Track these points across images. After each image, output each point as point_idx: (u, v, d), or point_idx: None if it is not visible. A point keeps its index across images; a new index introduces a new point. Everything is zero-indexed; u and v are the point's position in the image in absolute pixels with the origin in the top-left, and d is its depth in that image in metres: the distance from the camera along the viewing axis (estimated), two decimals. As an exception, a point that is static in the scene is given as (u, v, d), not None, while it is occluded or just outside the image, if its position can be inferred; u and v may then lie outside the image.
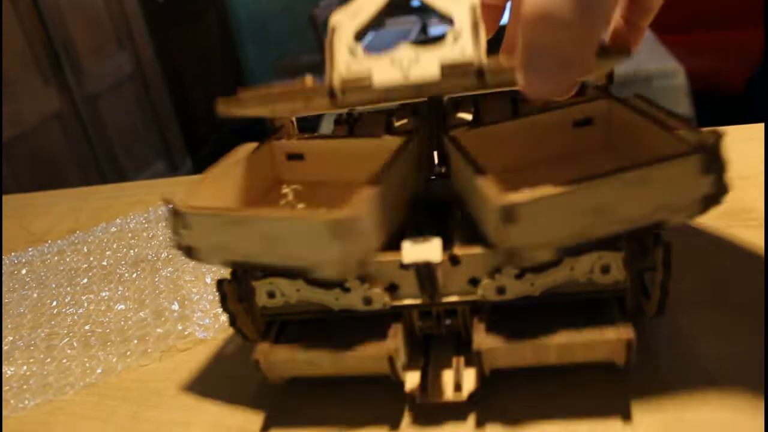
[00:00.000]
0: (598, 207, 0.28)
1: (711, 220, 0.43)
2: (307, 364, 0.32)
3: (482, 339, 0.31)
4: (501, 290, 0.31)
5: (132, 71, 2.38)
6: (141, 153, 2.38)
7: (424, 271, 0.30)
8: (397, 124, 0.40)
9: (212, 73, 2.90)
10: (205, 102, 2.64)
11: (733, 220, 0.43)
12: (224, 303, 0.34)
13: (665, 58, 1.58)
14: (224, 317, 0.42)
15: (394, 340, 0.31)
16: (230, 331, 0.40)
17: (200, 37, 2.86)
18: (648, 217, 0.29)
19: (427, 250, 0.29)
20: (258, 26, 2.93)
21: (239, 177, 0.38)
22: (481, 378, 0.32)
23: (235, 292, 0.34)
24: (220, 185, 0.37)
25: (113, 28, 2.32)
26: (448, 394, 0.32)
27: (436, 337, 0.35)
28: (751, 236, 0.41)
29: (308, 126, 0.44)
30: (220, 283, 0.34)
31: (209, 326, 0.42)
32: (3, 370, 0.43)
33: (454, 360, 0.33)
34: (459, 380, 0.32)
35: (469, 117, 0.40)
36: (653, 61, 1.57)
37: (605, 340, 0.30)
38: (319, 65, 2.29)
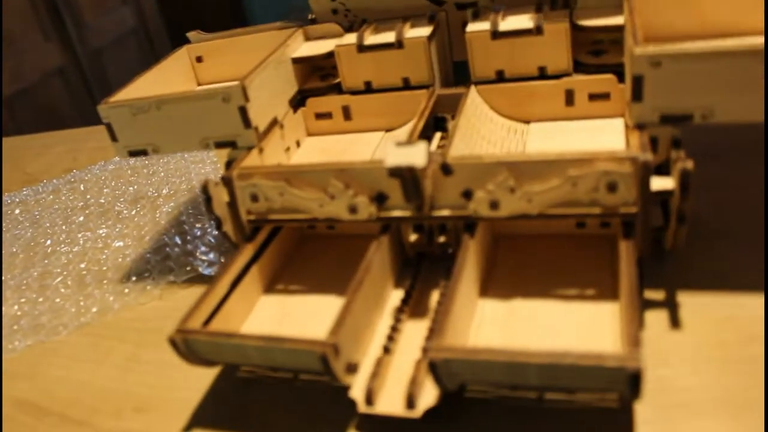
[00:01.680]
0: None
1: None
2: (234, 353, 0.27)
3: (438, 347, 0.23)
4: (495, 205, 0.28)
5: (135, 25, 2.32)
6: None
7: (410, 179, 0.27)
8: (412, 29, 0.36)
9: (217, 27, 2.84)
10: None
11: None
12: (208, 205, 0.31)
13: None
14: (230, 254, 0.39)
15: (334, 336, 0.25)
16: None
17: (205, -9, 2.79)
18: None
19: (412, 154, 0.27)
20: (264, -22, 2.85)
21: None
22: (445, 393, 0.25)
23: (222, 194, 0.32)
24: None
25: (115, -20, 2.25)
26: (398, 408, 0.25)
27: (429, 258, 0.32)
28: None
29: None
30: (205, 186, 0.31)
31: (214, 262, 0.39)
32: (-8, 311, 0.40)
33: (414, 364, 0.27)
34: (414, 391, 0.25)
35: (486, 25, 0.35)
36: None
37: (603, 367, 0.21)
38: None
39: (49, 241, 0.46)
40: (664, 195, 0.27)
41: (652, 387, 0.25)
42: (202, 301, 0.28)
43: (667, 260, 0.31)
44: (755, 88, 0.26)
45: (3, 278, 0.43)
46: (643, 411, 0.25)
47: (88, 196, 0.51)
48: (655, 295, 0.30)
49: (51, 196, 0.53)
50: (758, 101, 0.27)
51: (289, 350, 0.25)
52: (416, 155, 0.27)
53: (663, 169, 0.29)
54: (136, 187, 0.50)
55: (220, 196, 0.32)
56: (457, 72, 0.40)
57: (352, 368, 0.26)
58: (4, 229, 0.49)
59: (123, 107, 0.35)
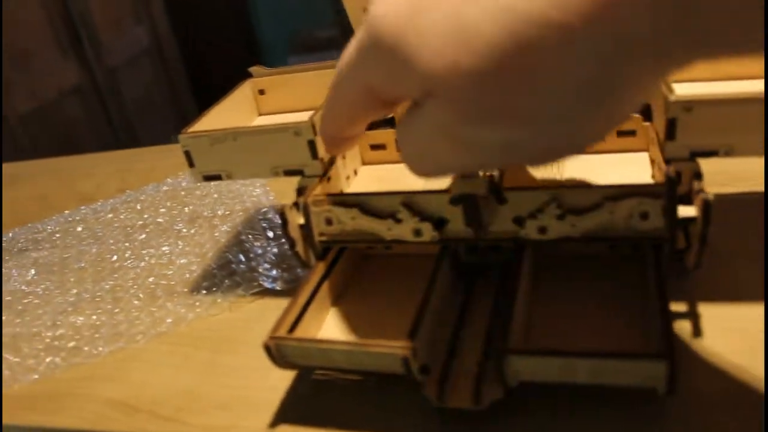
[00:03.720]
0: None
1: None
2: (320, 356, 0.31)
3: (505, 348, 0.28)
4: (542, 230, 0.32)
5: (149, 45, 2.37)
6: (159, 127, 2.38)
7: (470, 206, 0.32)
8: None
9: (228, 47, 2.89)
10: (221, 76, 2.64)
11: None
12: (285, 228, 0.36)
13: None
14: (292, 271, 0.43)
15: (413, 340, 0.29)
16: (298, 282, 0.41)
17: (216, 11, 2.85)
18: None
19: (473, 184, 0.31)
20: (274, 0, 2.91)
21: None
22: (507, 389, 0.29)
23: (296, 218, 0.36)
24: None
25: (130, 2, 2.31)
26: (467, 401, 0.29)
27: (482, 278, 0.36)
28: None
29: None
30: (282, 211, 0.36)
31: (277, 277, 0.43)
32: (73, 320, 0.44)
33: (476, 365, 0.31)
34: (480, 387, 0.30)
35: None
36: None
37: (639, 366, 0.27)
38: (336, 39, 2.28)
39: (115, 257, 0.50)
40: (687, 221, 0.31)
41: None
42: (287, 312, 0.32)
43: (689, 277, 0.36)
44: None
45: (77, 291, 0.47)
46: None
47: (146, 215, 0.55)
48: (677, 307, 0.34)
49: (110, 215, 0.57)
50: None
51: (374, 353, 0.29)
52: (477, 186, 0.31)
53: (686, 199, 0.33)
54: (191, 207, 0.55)
55: (294, 220, 0.36)
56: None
57: (425, 370, 0.30)
58: (69, 245, 0.53)
59: (203, 137, 0.39)
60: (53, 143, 1.93)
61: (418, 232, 0.34)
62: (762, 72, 0.38)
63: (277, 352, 0.31)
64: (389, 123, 0.43)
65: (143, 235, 0.52)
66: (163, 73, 2.44)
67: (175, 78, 2.49)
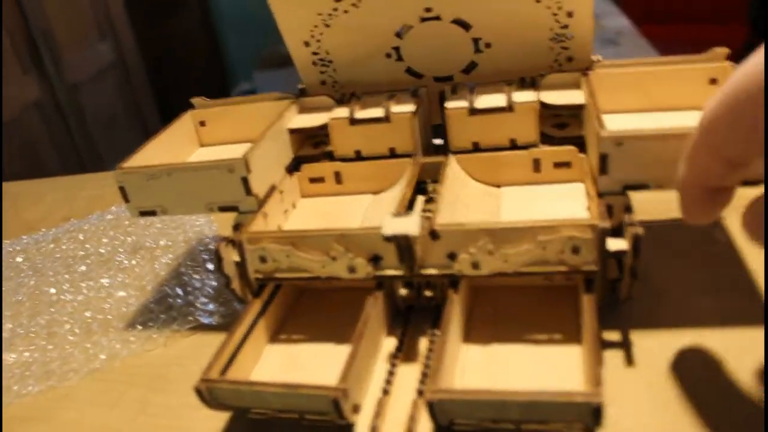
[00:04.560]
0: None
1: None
2: (253, 398, 0.30)
3: (435, 389, 0.27)
4: (476, 265, 0.32)
5: (113, 61, 2.35)
6: (122, 143, 2.35)
7: (404, 244, 0.32)
8: (397, 105, 0.41)
9: (194, 63, 2.87)
10: (187, 92, 2.61)
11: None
12: (219, 265, 0.35)
13: (645, 50, 1.60)
14: (229, 305, 0.43)
15: (344, 382, 0.29)
16: (235, 317, 0.41)
17: (182, 27, 2.83)
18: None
19: (406, 224, 0.31)
20: (241, 15, 2.90)
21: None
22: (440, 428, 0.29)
23: (231, 255, 0.35)
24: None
25: (94, 17, 2.28)
26: None
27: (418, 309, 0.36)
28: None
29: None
30: (218, 249, 0.35)
31: (214, 311, 0.42)
32: (4, 357, 0.42)
33: (411, 403, 0.31)
34: (412, 427, 0.30)
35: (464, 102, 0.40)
36: (633, 53, 1.58)
37: (573, 403, 0.26)
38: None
39: (53, 290, 0.49)
40: (619, 254, 0.32)
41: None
42: (220, 352, 0.32)
43: (621, 307, 0.36)
44: None
45: (12, 326, 0.46)
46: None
47: (88, 246, 0.54)
48: (611, 336, 0.34)
49: (52, 245, 0.55)
50: None
51: (305, 395, 0.29)
52: (410, 225, 0.31)
53: (618, 231, 0.33)
54: (134, 237, 0.54)
55: (230, 257, 0.35)
56: (434, 132, 0.44)
57: (356, 409, 0.30)
58: (8, 277, 0.52)
59: (137, 174, 0.38)
60: (14, 161, 1.89)
61: (352, 269, 0.34)
62: (692, 104, 0.39)
63: (209, 395, 0.31)
64: (328, 156, 0.42)
65: (83, 267, 0.51)
66: (128, 90, 2.41)
67: (139, 94, 2.46)
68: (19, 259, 0.54)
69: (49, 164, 2.05)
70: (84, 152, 2.18)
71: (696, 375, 0.32)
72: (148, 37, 2.55)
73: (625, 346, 0.34)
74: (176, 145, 0.44)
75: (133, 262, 0.50)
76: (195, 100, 0.46)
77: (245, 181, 0.36)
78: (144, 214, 0.40)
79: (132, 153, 0.40)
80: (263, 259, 0.35)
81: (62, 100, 2.11)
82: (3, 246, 0.57)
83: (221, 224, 0.53)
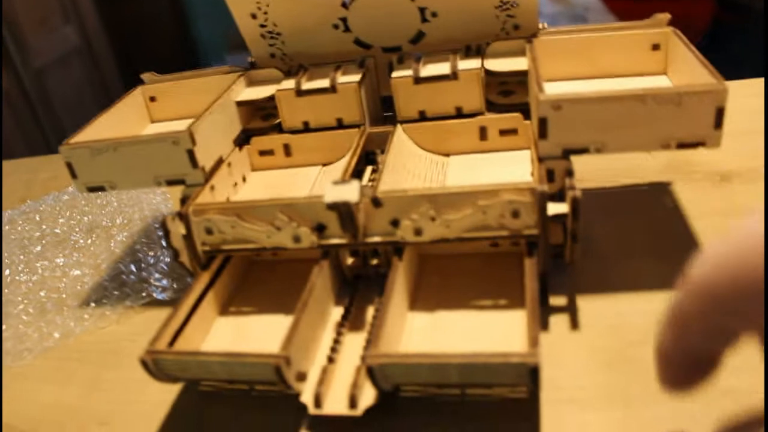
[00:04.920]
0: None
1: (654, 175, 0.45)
2: (198, 369, 0.30)
3: (374, 354, 0.28)
4: (418, 231, 0.32)
5: (78, 45, 2.30)
6: (91, 129, 2.32)
7: (345, 212, 0.32)
8: (344, 75, 0.41)
9: (163, 46, 2.83)
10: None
11: (677, 173, 0.44)
12: (167, 238, 0.35)
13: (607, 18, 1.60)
14: (182, 280, 0.43)
15: (285, 349, 0.29)
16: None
17: (149, 8, 2.79)
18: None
19: (346, 191, 0.32)
20: (209, -3, 2.86)
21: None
22: (382, 393, 0.29)
23: (179, 228, 0.35)
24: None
25: (57, 0, 2.24)
26: (343, 408, 0.29)
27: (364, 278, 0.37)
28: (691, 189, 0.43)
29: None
30: (163, 221, 0.35)
31: (167, 287, 0.42)
32: (-43, 339, 0.42)
33: (355, 370, 0.31)
34: (355, 393, 0.29)
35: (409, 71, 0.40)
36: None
37: (509, 364, 0.26)
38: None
39: (7, 271, 0.48)
40: (562, 218, 0.32)
41: (546, 385, 0.30)
42: (166, 324, 0.32)
43: (568, 272, 0.36)
44: (637, 125, 0.32)
45: (-35, 308, 0.45)
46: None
47: (44, 227, 0.54)
48: (558, 301, 0.35)
49: (7, 227, 0.55)
50: (640, 135, 0.32)
51: (248, 363, 0.29)
52: (350, 192, 0.31)
53: (559, 196, 0.34)
54: (90, 217, 0.53)
55: (177, 230, 0.35)
56: (385, 104, 0.44)
57: (301, 377, 0.30)
58: (-39, 260, 0.52)
59: (83, 149, 0.38)
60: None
61: (297, 239, 0.34)
62: (636, 71, 0.39)
63: (154, 366, 0.31)
64: (277, 128, 0.42)
65: (39, 248, 0.51)
66: (95, 73, 2.37)
67: (107, 78, 2.42)
68: (-27, 242, 0.54)
69: (17, 150, 2.01)
70: (53, 139, 2.15)
71: (638, 337, 0.32)
72: (115, 19, 2.51)
73: (570, 310, 0.35)
74: (126, 120, 0.44)
75: (89, 241, 0.50)
76: (145, 76, 0.46)
77: (191, 154, 0.36)
78: (92, 189, 0.39)
79: (80, 129, 0.40)
80: (209, 231, 0.35)
81: (28, 87, 2.08)
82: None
83: (177, 201, 0.53)
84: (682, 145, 0.32)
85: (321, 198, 0.32)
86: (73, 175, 0.39)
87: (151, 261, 0.45)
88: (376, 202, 0.32)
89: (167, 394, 0.34)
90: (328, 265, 0.34)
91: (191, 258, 0.37)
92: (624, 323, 0.33)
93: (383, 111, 0.44)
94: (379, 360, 0.28)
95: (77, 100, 2.27)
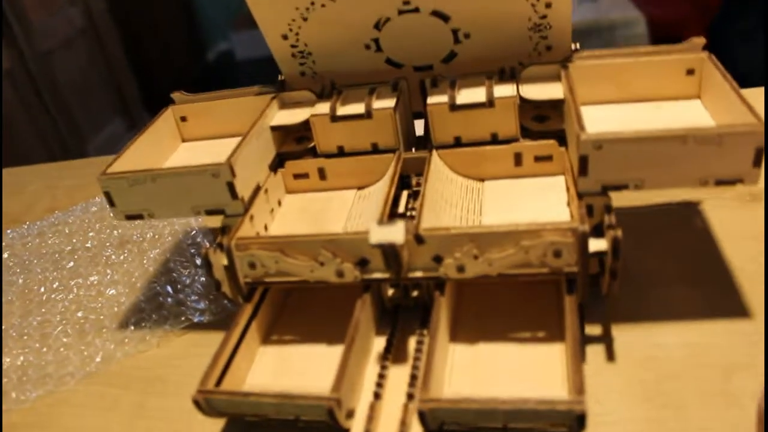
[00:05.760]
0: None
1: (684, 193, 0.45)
2: (249, 407, 0.31)
3: (425, 398, 0.28)
4: (461, 268, 0.33)
5: (84, 26, 2.29)
6: (97, 110, 2.31)
7: (389, 251, 0.32)
8: (378, 100, 0.41)
9: (168, 24, 2.81)
10: (162, 56, 2.56)
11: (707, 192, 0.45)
12: (209, 271, 0.36)
13: (627, 6, 1.59)
14: (219, 302, 0.43)
15: (337, 390, 0.30)
16: (226, 314, 0.41)
17: (152, -13, 2.76)
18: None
19: (391, 232, 0.32)
20: (214, -25, 2.83)
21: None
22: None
23: (220, 259, 0.36)
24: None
25: (60, -19, 2.21)
26: None
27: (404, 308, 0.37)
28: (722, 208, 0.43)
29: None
30: (206, 254, 0.36)
31: (205, 309, 0.43)
32: (-1, 362, 0.43)
33: (402, 408, 0.32)
34: (404, 429, 0.31)
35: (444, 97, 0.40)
36: (615, 9, 1.57)
37: (556, 411, 0.27)
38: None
39: (42, 288, 0.49)
40: (599, 254, 0.32)
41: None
42: (215, 361, 0.33)
43: (601, 298, 0.37)
44: (677, 163, 0.32)
45: (5, 327, 0.46)
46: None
47: (74, 240, 0.54)
48: (593, 330, 0.36)
49: (37, 240, 0.55)
50: (680, 173, 0.33)
51: (300, 405, 0.30)
52: (396, 234, 0.32)
53: (598, 230, 0.34)
54: (120, 230, 0.54)
55: (219, 262, 0.36)
56: (414, 118, 0.45)
57: (350, 414, 0.31)
58: (-5, 276, 0.52)
59: (121, 179, 0.38)
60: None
61: (340, 273, 0.34)
62: (670, 95, 0.39)
63: (206, 405, 0.32)
64: (311, 152, 0.42)
65: (71, 263, 0.51)
66: (100, 55, 2.36)
67: (112, 59, 2.41)
68: (5, 255, 0.54)
69: (24, 135, 2.01)
70: (60, 122, 2.15)
71: (674, 369, 0.33)
72: (119, 0, 2.48)
73: (606, 341, 0.35)
74: (159, 142, 0.44)
75: (122, 257, 0.50)
76: (175, 95, 0.46)
77: (231, 186, 0.37)
78: (130, 217, 0.40)
79: (118, 155, 0.40)
80: (252, 265, 0.35)
81: (33, 69, 2.07)
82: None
83: (207, 218, 0.53)
84: (721, 182, 0.33)
85: (364, 234, 0.32)
86: (111, 204, 0.39)
87: (187, 281, 0.45)
88: (419, 240, 0.33)
89: (214, 425, 0.35)
90: (370, 298, 0.35)
91: (232, 288, 0.37)
92: (660, 356, 0.34)
93: (413, 125, 0.44)
94: (430, 405, 0.28)
95: (83, 82, 2.26)
